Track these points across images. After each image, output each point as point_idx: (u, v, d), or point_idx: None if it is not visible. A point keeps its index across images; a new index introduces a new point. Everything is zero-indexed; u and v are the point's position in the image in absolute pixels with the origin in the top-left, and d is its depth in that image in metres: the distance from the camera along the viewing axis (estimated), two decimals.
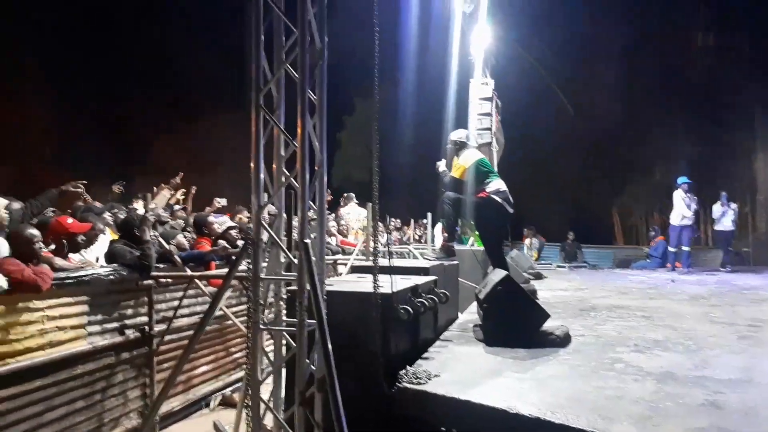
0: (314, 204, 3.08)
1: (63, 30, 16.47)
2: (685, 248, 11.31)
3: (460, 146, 6.08)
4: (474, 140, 7.20)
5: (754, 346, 4.17)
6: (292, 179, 3.00)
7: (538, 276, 9.12)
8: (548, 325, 4.16)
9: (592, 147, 19.46)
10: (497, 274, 4.37)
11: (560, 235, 15.69)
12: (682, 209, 11.24)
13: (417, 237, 14.29)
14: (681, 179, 11.49)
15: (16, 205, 4.93)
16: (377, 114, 3.26)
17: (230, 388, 5.48)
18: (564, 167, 19.42)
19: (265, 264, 3.22)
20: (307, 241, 2.89)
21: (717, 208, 11.74)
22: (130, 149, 17.51)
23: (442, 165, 6.23)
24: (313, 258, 2.92)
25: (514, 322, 4.05)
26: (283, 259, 3.22)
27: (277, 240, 3.03)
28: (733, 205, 11.65)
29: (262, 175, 2.96)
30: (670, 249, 11.58)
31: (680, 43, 18.21)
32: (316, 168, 3.08)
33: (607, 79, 18.69)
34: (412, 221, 14.54)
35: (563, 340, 4.02)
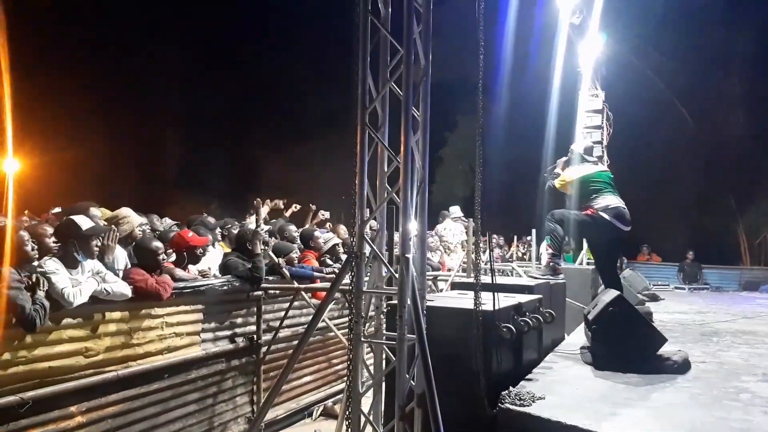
0: (416, 219, 3.09)
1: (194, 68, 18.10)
2: None
3: (571, 158, 5.86)
4: (594, 154, 6.86)
5: None
6: (394, 194, 3.03)
7: (654, 298, 8.55)
8: (665, 350, 3.88)
9: (714, 161, 18.03)
10: (609, 294, 4.15)
11: (679, 254, 14.64)
12: None
13: (521, 254, 13.90)
14: None
15: (168, 221, 5.43)
16: (481, 129, 3.24)
17: (332, 400, 5.59)
18: (683, 183, 18.11)
19: (366, 278, 3.28)
20: (409, 255, 2.91)
21: None
22: (245, 170, 18.75)
23: (560, 165, 5.92)
24: (414, 273, 2.93)
25: (627, 345, 3.81)
26: (384, 273, 3.26)
27: (379, 254, 3.07)
28: None
29: (365, 190, 3.02)
30: None
31: None
32: (417, 184, 3.10)
33: (729, 89, 17.34)
34: (515, 238, 14.17)
35: (682, 366, 3.73)
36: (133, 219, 4.58)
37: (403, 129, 2.94)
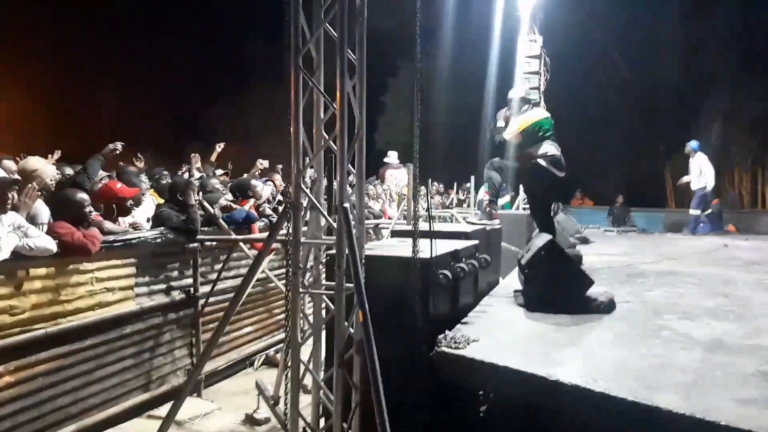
0: (353, 167, 3.04)
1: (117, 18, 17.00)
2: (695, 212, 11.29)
3: (518, 105, 5.86)
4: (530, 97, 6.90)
5: None
6: (331, 142, 2.97)
7: (585, 240, 8.91)
8: (593, 291, 4.06)
9: (647, 108, 18.64)
10: (541, 239, 4.27)
11: (610, 198, 15.25)
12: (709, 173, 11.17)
13: (460, 201, 14.14)
14: (696, 144, 11.35)
15: (68, 170, 5.12)
16: (419, 74, 3.18)
17: (273, 349, 5.62)
18: (617, 128, 18.70)
19: (305, 228, 3.24)
20: (346, 204, 2.88)
21: None
22: (182, 119, 18.06)
23: (501, 117, 5.88)
24: (353, 222, 2.91)
25: (557, 288, 3.97)
26: (323, 224, 3.23)
27: (317, 204, 3.02)
28: None
29: (301, 138, 2.94)
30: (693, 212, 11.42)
31: None
32: (356, 131, 3.03)
33: (664, 34, 17.74)
34: (455, 185, 14.37)
35: (608, 307, 3.92)
36: (43, 171, 4.19)
37: (338, 73, 2.86)
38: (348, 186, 3.05)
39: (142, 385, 4.28)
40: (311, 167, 3.22)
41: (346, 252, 2.84)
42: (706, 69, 17.23)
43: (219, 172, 7.41)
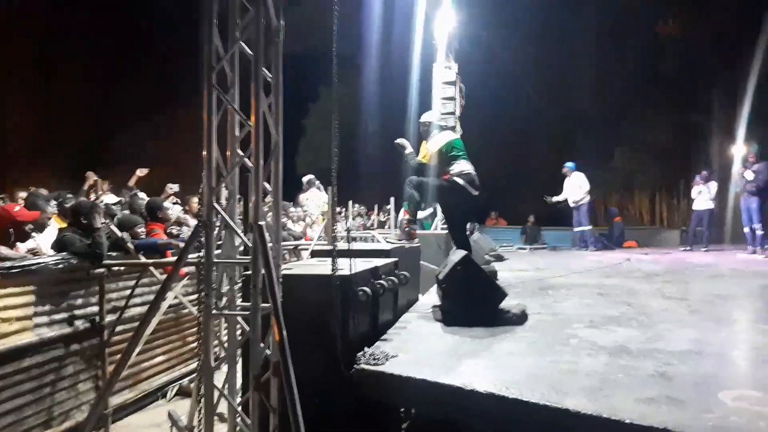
0: (269, 185, 3.01)
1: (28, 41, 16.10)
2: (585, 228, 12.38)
3: (428, 128, 6.06)
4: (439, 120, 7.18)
5: (705, 320, 4.30)
6: (246, 159, 2.93)
7: (500, 258, 9.24)
8: (506, 304, 4.21)
9: (559, 132, 19.75)
10: (457, 255, 4.38)
11: (523, 219, 15.91)
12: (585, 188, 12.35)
13: (381, 222, 14.28)
14: (573, 164, 12.61)
15: None
16: (336, 96, 3.21)
17: (187, 379, 5.38)
18: (527, 152, 19.66)
19: (219, 251, 3.16)
20: (261, 222, 2.84)
21: (694, 189, 12.16)
22: (95, 144, 17.16)
23: (408, 147, 6.07)
24: (269, 240, 2.87)
25: (473, 302, 4.08)
26: (237, 243, 3.16)
27: (231, 222, 2.96)
28: (712, 184, 11.98)
29: (214, 155, 2.88)
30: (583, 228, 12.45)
31: (646, 30, 18.54)
32: (272, 148, 3.01)
33: (575, 65, 18.96)
34: (376, 207, 14.52)
35: (520, 318, 4.07)
36: None
37: (253, 91, 2.84)
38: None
39: (43, 422, 3.98)
40: (226, 187, 3.15)
41: (262, 271, 2.79)
42: (615, 102, 18.61)
43: (142, 195, 7.13)
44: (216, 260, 2.91)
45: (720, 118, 17.04)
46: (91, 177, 6.86)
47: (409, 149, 6.03)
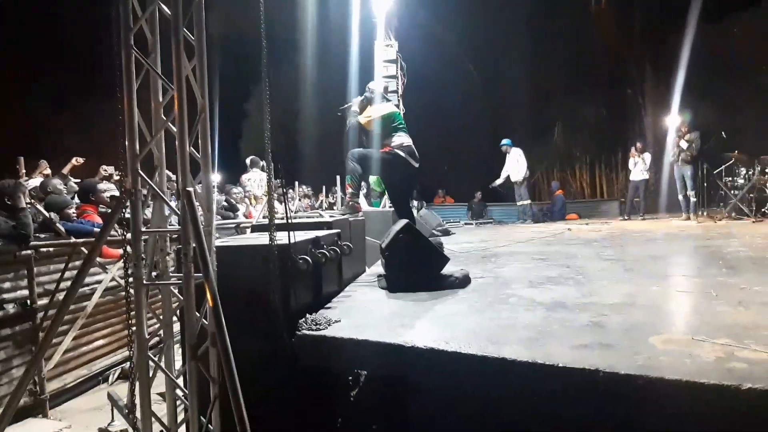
0: (197, 151, 2.91)
1: None
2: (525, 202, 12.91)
3: (374, 97, 6.02)
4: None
5: (639, 277, 4.46)
6: (170, 124, 2.82)
7: (446, 232, 9.34)
8: (449, 270, 4.25)
9: (497, 111, 20.06)
10: (399, 223, 4.39)
11: (470, 196, 16.15)
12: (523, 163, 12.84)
13: (330, 204, 14.21)
14: (509, 141, 13.09)
15: None
16: (266, 66, 3.12)
17: (129, 362, 5.21)
18: (471, 131, 19.89)
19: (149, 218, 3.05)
20: (189, 189, 2.74)
21: (631, 160, 12.61)
22: (19, 134, 16.26)
23: (355, 105, 6.05)
24: (198, 208, 2.78)
25: (415, 268, 4.09)
26: (167, 213, 3.05)
27: (157, 190, 2.85)
28: (646, 155, 12.45)
29: (136, 120, 2.76)
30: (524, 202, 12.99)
31: (578, 7, 18.96)
32: (197, 113, 2.91)
33: (510, 45, 19.25)
34: (324, 188, 14.43)
35: (462, 281, 4.12)
36: None
37: (174, 53, 2.72)
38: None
39: None
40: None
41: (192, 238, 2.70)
42: (549, 78, 19.01)
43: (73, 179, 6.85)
44: (143, 230, 2.80)
45: (652, 92, 17.68)
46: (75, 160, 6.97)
47: (355, 108, 5.99)
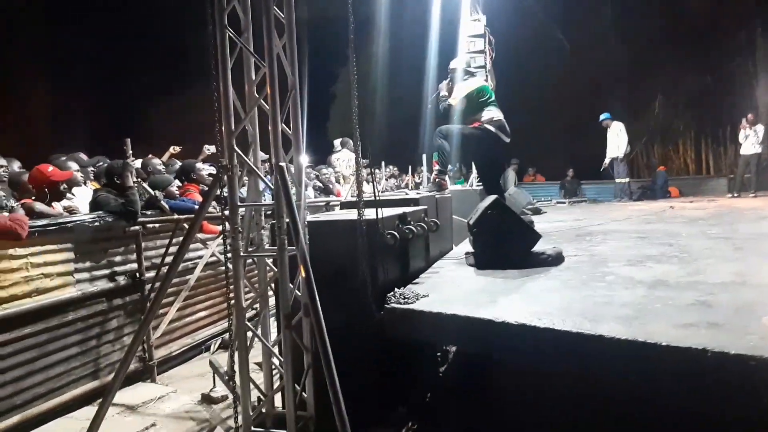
0: (288, 127, 2.98)
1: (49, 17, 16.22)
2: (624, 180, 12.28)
3: (455, 76, 5.93)
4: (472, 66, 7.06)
5: (750, 255, 4.13)
6: (262, 101, 2.90)
7: (537, 211, 9.07)
8: (540, 247, 4.11)
9: (591, 85, 19.08)
10: (487, 200, 4.30)
11: (561, 174, 15.57)
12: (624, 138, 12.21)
13: (415, 184, 14.19)
14: (608, 114, 12.44)
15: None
16: (353, 43, 3.12)
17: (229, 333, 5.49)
18: (563, 106, 19.08)
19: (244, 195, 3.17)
20: (282, 164, 2.82)
21: (741, 133, 11.70)
22: (122, 120, 17.41)
23: (443, 89, 6.00)
24: (290, 182, 2.85)
25: (505, 245, 3.99)
26: (262, 188, 3.16)
27: (252, 165, 2.95)
28: (759, 127, 11.51)
29: (231, 97, 2.86)
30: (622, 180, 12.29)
31: None
32: (288, 90, 2.97)
33: (604, 14, 18.23)
34: (410, 168, 14.42)
35: (555, 259, 3.98)
36: None
37: (265, 30, 2.78)
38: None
39: (91, 373, 4.13)
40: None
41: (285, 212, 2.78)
42: (642, 47, 17.82)
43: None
44: (239, 204, 2.91)
45: (765, 59, 16.15)
46: (173, 148, 7.43)
47: (444, 92, 5.93)
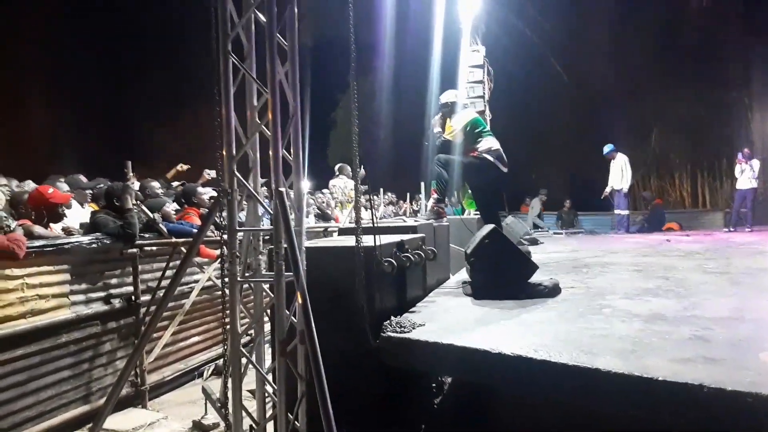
0: (289, 153, 3.00)
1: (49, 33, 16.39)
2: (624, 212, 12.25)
3: (451, 108, 6.00)
4: (463, 100, 7.14)
5: (747, 290, 4.13)
6: (264, 127, 2.92)
7: (534, 242, 9.07)
8: (537, 278, 4.11)
9: (587, 115, 19.29)
10: (485, 229, 4.31)
11: (558, 204, 15.62)
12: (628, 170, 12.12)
13: (413, 211, 14.22)
14: (612, 146, 12.30)
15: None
16: (354, 70, 3.17)
17: (223, 358, 5.44)
18: (560, 136, 19.26)
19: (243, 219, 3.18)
20: (282, 189, 2.83)
21: (737, 167, 11.80)
22: (123, 140, 17.48)
23: (437, 125, 6.09)
24: (289, 207, 2.86)
25: (502, 275, 3.99)
26: (261, 213, 3.17)
27: (252, 191, 2.96)
28: (754, 162, 11.61)
29: (233, 123, 2.88)
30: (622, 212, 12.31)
31: (673, 4, 17.94)
32: (290, 116, 3.00)
33: (600, 44, 18.50)
34: (408, 195, 14.47)
35: (552, 291, 3.97)
36: None
37: (268, 57, 2.82)
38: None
39: (82, 396, 4.08)
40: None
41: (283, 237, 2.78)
42: (635, 76, 18.04)
43: (175, 183, 7.28)
44: (238, 228, 2.91)
45: (760, 92, 16.37)
46: (180, 166, 7.44)
47: (437, 129, 6.00)
